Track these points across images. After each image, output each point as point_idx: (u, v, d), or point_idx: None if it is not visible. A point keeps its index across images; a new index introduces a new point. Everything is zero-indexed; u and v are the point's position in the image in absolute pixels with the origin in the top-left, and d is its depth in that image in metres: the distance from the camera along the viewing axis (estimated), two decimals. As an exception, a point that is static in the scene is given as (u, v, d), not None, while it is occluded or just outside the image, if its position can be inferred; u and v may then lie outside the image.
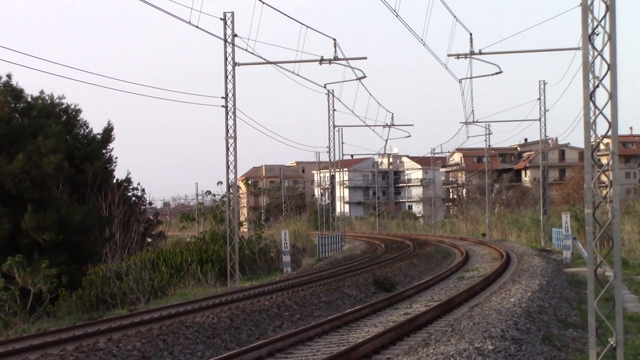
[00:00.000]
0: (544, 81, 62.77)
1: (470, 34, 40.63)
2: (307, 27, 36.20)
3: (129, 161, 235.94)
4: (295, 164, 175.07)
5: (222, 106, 40.48)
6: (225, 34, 39.61)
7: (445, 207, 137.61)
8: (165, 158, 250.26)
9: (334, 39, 39.61)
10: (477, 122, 68.31)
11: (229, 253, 40.86)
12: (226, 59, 40.32)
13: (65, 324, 26.60)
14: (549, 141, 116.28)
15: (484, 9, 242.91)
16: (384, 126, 66.88)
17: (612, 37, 13.76)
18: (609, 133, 13.95)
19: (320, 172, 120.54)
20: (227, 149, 40.65)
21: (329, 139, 69.31)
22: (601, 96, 14.05)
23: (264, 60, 39.09)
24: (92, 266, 44.13)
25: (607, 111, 13.88)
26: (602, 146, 15.28)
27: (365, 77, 45.56)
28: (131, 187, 59.45)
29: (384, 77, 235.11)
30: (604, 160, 16.32)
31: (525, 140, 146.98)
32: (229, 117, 40.49)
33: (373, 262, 46.58)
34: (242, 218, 76.17)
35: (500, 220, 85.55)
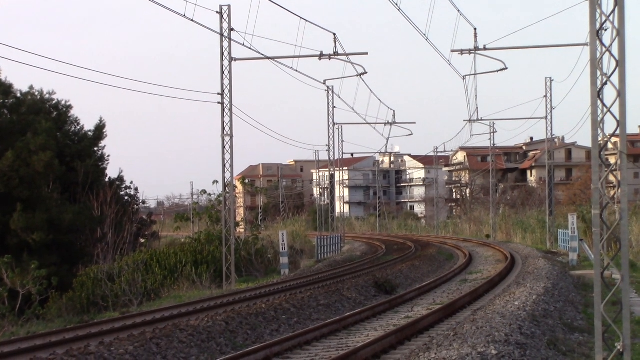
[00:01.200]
0: (550, 78, 62.27)
1: (475, 29, 40.29)
2: (307, 21, 35.98)
3: (121, 159, 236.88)
4: (293, 163, 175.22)
5: (218, 102, 40.19)
6: (221, 27, 39.28)
7: (448, 207, 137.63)
8: (159, 156, 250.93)
9: (334, 34, 39.31)
10: (481, 120, 68.01)
11: (224, 254, 40.48)
12: (222, 53, 39.98)
13: (55, 326, 26.29)
14: (556, 140, 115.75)
15: (489, 4, 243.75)
16: (385, 124, 66.66)
17: (620, 33, 13.59)
18: (617, 132, 13.89)
19: (319, 171, 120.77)
20: (223, 146, 40.33)
21: (329, 137, 69.10)
22: (609, 94, 13.89)
23: (262, 56, 38.77)
24: (83, 267, 43.80)
25: (616, 109, 13.72)
26: (610, 145, 14.94)
27: (366, 73, 45.24)
28: (124, 185, 59.47)
29: (386, 74, 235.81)
30: (612, 160, 15.96)
31: (531, 139, 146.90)
32: (225, 114, 40.19)
33: (373, 264, 46.33)
34: (238, 218, 76.02)
35: (504, 221, 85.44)
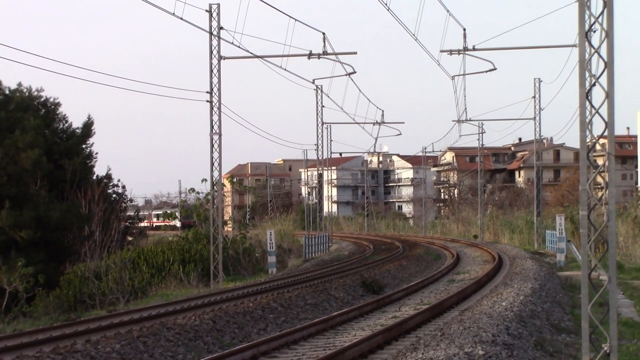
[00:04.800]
0: (539, 79, 62.27)
1: (464, 30, 40.38)
2: (296, 20, 35.95)
3: (109, 157, 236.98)
4: (282, 162, 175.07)
5: (207, 101, 40.19)
6: (210, 26, 39.29)
7: (436, 207, 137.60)
8: (148, 154, 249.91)
9: (323, 33, 39.33)
10: (470, 120, 68.04)
11: (212, 253, 40.47)
12: (211, 52, 39.99)
13: (42, 324, 26.18)
14: (544, 141, 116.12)
15: (478, 4, 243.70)
16: (374, 124, 66.67)
17: (609, 34, 13.57)
18: (605, 133, 13.81)
19: (307, 171, 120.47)
20: (212, 145, 40.35)
21: (317, 136, 69.17)
22: (598, 95, 13.90)
23: (251, 54, 38.77)
24: (70, 265, 43.69)
25: (604, 110, 13.69)
26: (598, 147, 14.93)
27: (355, 72, 45.23)
28: (112, 183, 59.37)
29: (375, 73, 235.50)
30: (600, 161, 15.96)
31: (519, 139, 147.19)
32: (213, 112, 40.18)
33: (361, 264, 46.30)
34: (226, 217, 75.79)
35: (492, 222, 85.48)
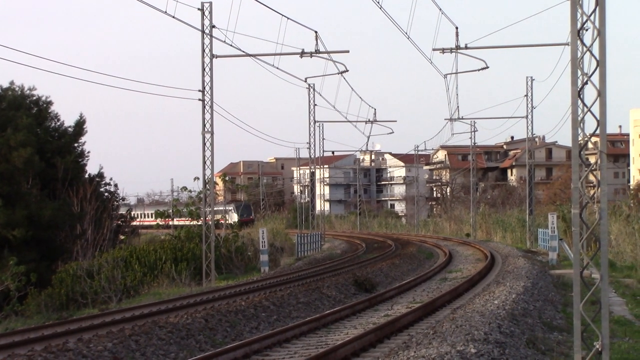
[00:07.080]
0: (531, 77, 62.16)
1: (456, 28, 40.38)
2: (288, 18, 35.86)
3: (101, 155, 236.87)
4: (274, 160, 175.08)
5: (199, 99, 40.19)
6: (202, 24, 39.29)
7: (429, 206, 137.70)
8: (140, 152, 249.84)
9: (316, 32, 39.31)
10: (462, 118, 67.94)
11: (204, 251, 40.43)
12: (203, 50, 40.01)
13: (33, 323, 26.16)
14: (536, 139, 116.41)
15: (471, 2, 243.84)
16: (366, 122, 66.74)
17: (601, 33, 13.55)
18: (597, 131, 13.76)
19: (300, 169, 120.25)
20: (204, 143, 40.38)
21: (310, 134, 69.21)
22: (590, 93, 13.89)
23: (243, 53, 38.75)
24: (62, 264, 43.55)
25: (596, 109, 13.68)
26: (590, 145, 14.92)
27: (347, 71, 45.24)
28: (104, 182, 59.21)
29: (367, 72, 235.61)
30: (592, 160, 15.98)
31: (512, 138, 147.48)
32: (205, 111, 40.20)
33: (353, 262, 46.29)
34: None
35: (484, 220, 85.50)
